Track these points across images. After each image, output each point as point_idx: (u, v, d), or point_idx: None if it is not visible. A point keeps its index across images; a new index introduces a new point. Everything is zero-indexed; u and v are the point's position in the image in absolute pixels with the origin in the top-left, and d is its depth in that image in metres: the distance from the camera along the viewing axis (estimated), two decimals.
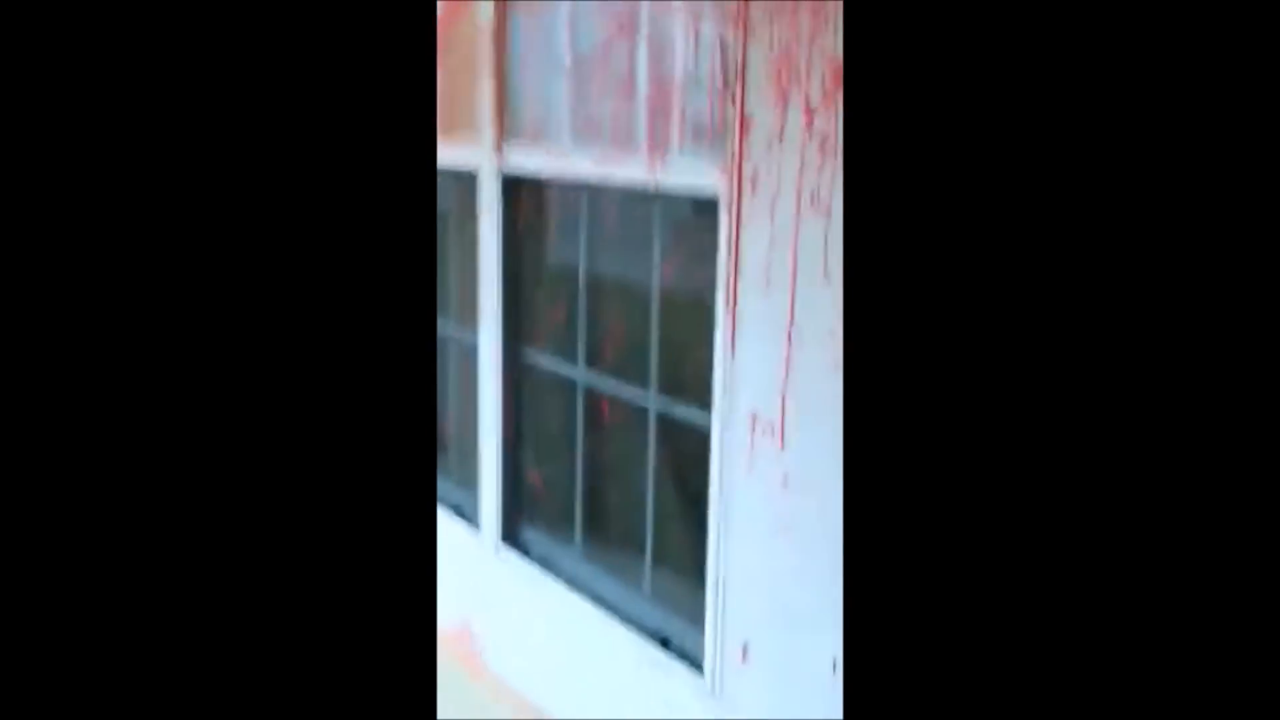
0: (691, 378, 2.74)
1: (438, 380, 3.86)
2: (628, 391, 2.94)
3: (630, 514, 3.00)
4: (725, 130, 2.41)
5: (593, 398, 3.09)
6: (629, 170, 2.75)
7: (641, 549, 2.94)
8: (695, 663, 2.66)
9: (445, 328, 3.79)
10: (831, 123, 2.15)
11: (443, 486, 3.83)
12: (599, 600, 3.03)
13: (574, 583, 3.14)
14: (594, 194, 3.01)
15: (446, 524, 3.71)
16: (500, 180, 3.25)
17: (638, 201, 2.85)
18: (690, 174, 2.55)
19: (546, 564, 3.28)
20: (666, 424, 2.82)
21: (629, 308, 2.93)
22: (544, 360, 3.28)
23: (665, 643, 2.76)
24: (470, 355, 3.51)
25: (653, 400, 2.83)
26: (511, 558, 3.38)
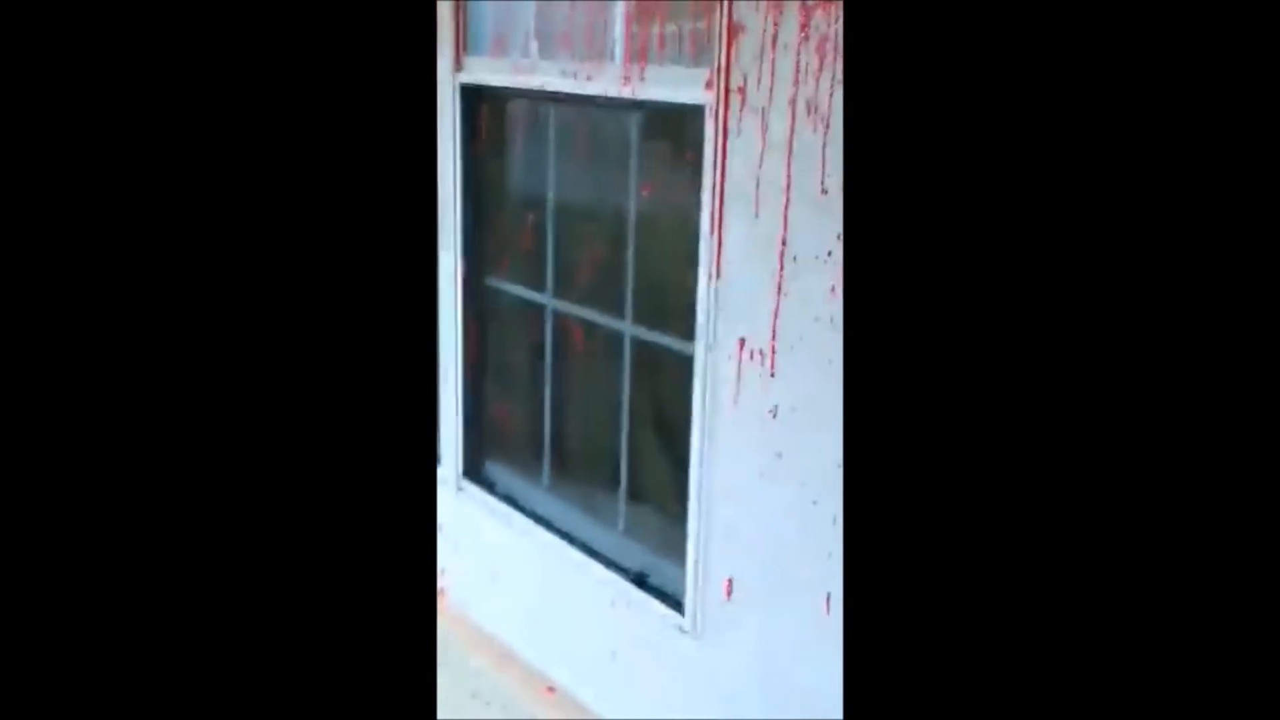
0: (673, 304, 2.59)
1: None
2: (601, 319, 2.78)
3: (603, 447, 2.86)
4: (711, 35, 2.24)
5: (563, 325, 2.93)
6: (603, 82, 2.56)
7: (615, 483, 2.81)
8: (675, 601, 2.55)
9: None
10: (831, 22, 1.98)
11: None
12: (569, 537, 2.91)
13: (543, 519, 3.01)
14: (564, 108, 2.82)
15: None
16: (458, 92, 3.04)
17: (613, 116, 2.67)
18: (672, 84, 2.37)
19: (512, 500, 3.14)
20: (644, 352, 2.68)
21: (603, 230, 2.76)
22: (509, 287, 3.11)
23: (641, 580, 2.65)
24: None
25: (628, 327, 2.68)
26: (475, 493, 3.23)
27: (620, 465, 2.76)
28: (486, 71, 2.95)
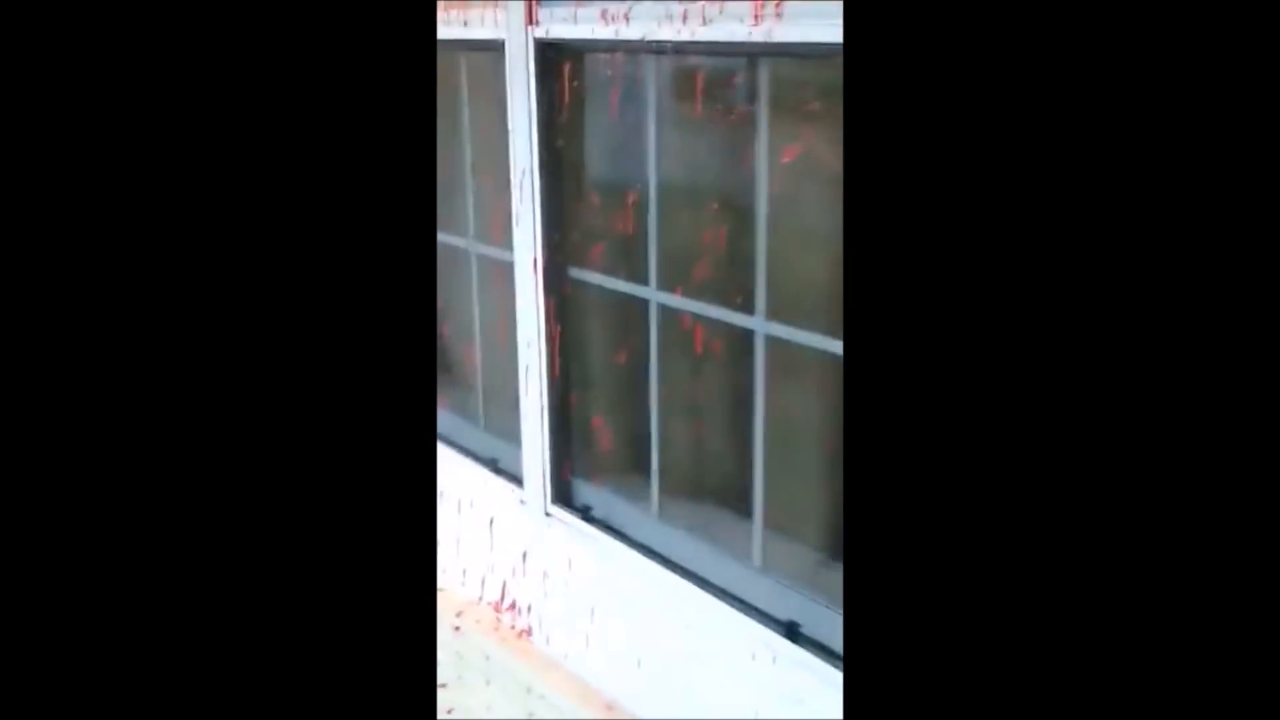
0: (816, 295, 2.13)
1: (470, 308, 3.21)
2: (724, 314, 2.31)
3: (730, 466, 2.40)
4: None
5: (673, 323, 2.46)
6: (723, 25, 2.08)
7: (747, 509, 2.35)
8: (838, 657, 2.09)
9: (465, 242, 3.13)
10: None
11: (474, 437, 3.21)
12: (688, 574, 2.45)
13: (653, 551, 2.56)
14: (669, 62, 2.34)
15: (481, 482, 3.10)
16: (533, 50, 2.57)
17: (736, 68, 2.19)
18: (818, 21, 1.89)
19: (612, 527, 2.69)
20: (782, 353, 2.21)
21: (723, 209, 2.29)
22: (601, 279, 2.64)
23: (794, 631, 2.19)
24: (504, 276, 2.87)
25: (761, 323, 2.21)
26: (566, 519, 2.78)
27: (754, 488, 2.29)
28: (567, 23, 2.47)
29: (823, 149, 2.02)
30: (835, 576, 2.12)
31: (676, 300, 2.42)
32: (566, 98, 2.61)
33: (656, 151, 2.39)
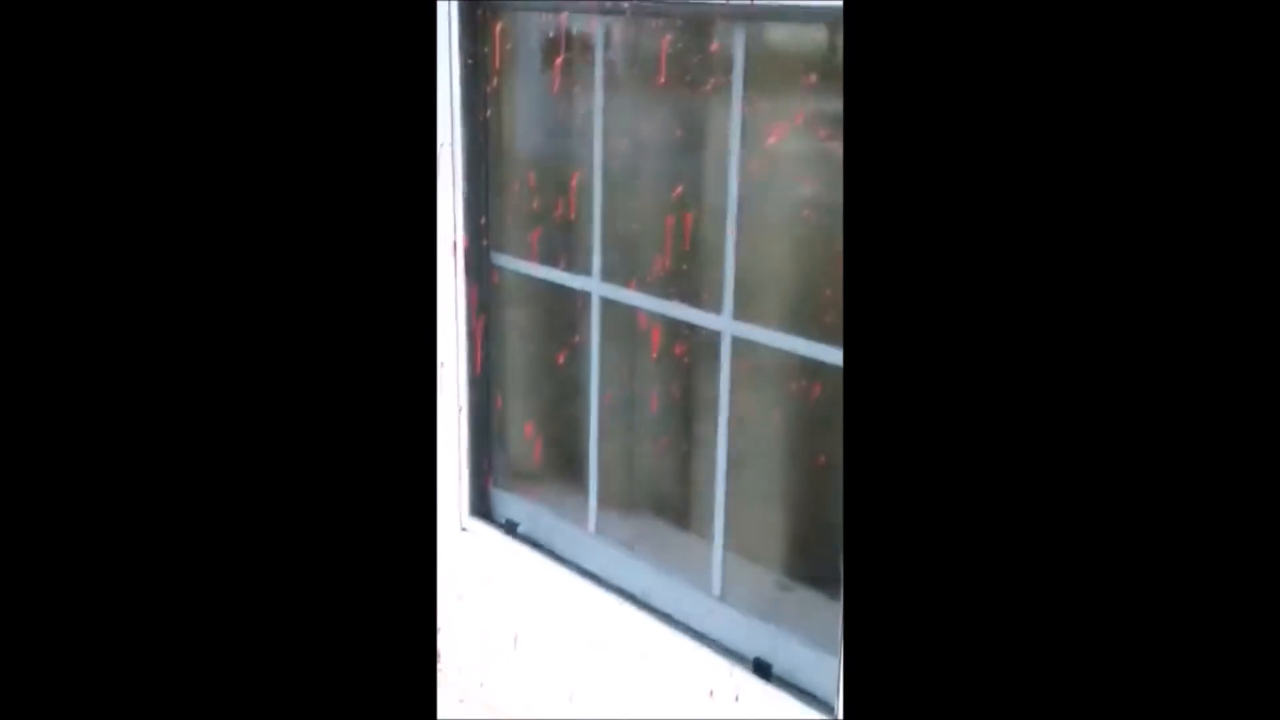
0: (788, 296, 1.90)
1: None
2: (681, 311, 2.06)
3: (687, 482, 2.16)
4: None
5: (619, 319, 2.20)
6: None
7: (703, 528, 2.11)
8: (818, 700, 1.87)
9: None
10: None
11: None
12: (631, 598, 2.20)
13: (589, 572, 2.30)
14: (623, 23, 2.07)
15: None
16: (457, 10, 2.27)
17: (706, 31, 1.94)
18: None
19: (539, 543, 2.42)
20: (753, 356, 1.97)
21: (684, 192, 2.04)
22: (533, 269, 2.36)
23: (765, 669, 1.96)
24: None
25: (728, 323, 1.97)
26: (486, 535, 2.49)
27: (715, 505, 2.05)
28: None
29: (810, 129, 1.79)
30: (803, 604, 1.90)
31: (627, 295, 2.16)
32: (498, 62, 2.32)
33: (603, 126, 2.12)
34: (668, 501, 2.24)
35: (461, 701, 2.63)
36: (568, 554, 2.36)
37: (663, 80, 2.02)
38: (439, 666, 2.68)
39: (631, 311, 2.17)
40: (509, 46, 2.30)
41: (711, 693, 2.01)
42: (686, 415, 2.16)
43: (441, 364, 2.49)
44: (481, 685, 2.58)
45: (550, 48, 2.22)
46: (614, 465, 2.31)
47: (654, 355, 2.17)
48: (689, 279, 2.06)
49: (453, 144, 2.35)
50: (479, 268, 2.42)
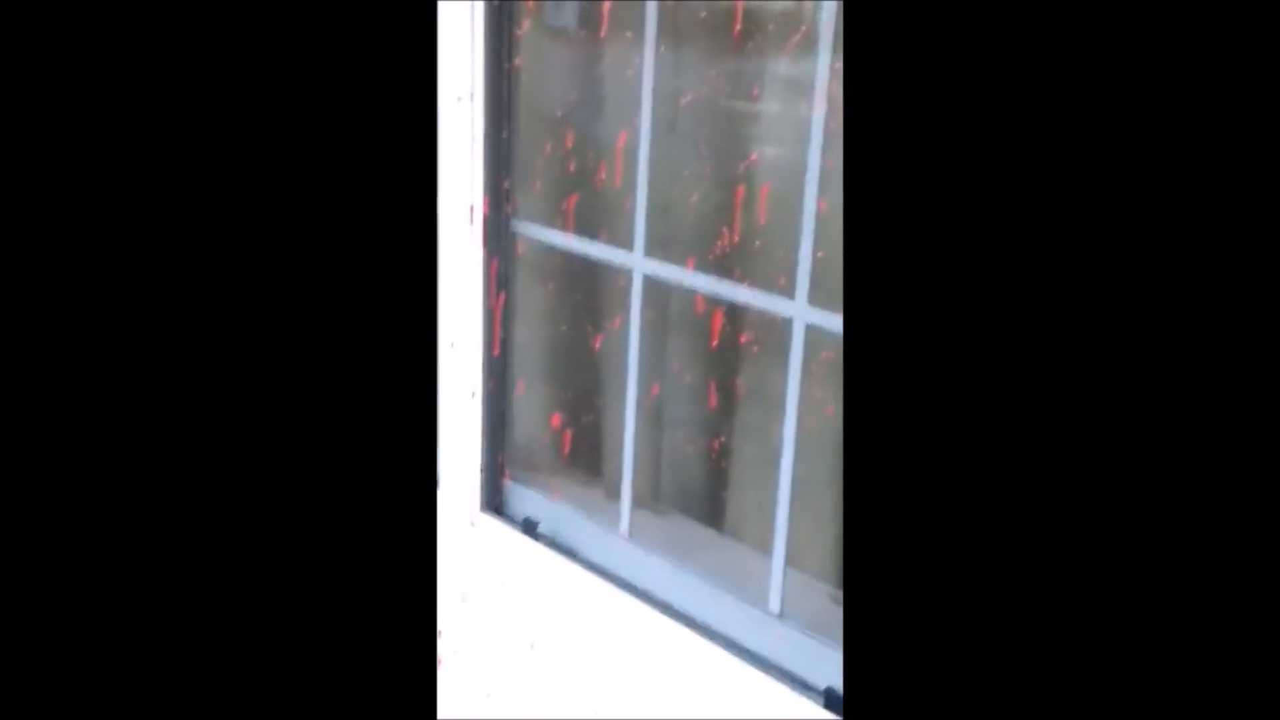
0: None
1: None
2: (746, 295, 1.83)
3: (742, 485, 1.93)
4: None
5: (663, 300, 1.96)
6: None
7: (764, 541, 1.89)
8: None
9: None
10: None
11: None
12: (672, 611, 1.98)
13: (620, 579, 2.07)
14: None
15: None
16: None
17: None
18: None
19: (560, 544, 2.18)
20: (827, 347, 1.75)
21: (754, 170, 1.80)
22: (564, 239, 2.10)
23: (834, 699, 1.75)
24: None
25: (801, 309, 1.73)
26: (499, 531, 2.25)
27: (777, 515, 1.83)
28: None
29: None
30: None
31: (677, 273, 1.91)
32: (530, 9, 2.05)
33: (656, 79, 1.87)
34: (713, 505, 2.02)
35: (466, 708, 2.40)
36: (595, 558, 2.13)
37: (737, 29, 1.77)
38: (440, 671, 2.45)
39: (682, 292, 1.93)
40: None
41: None
42: (742, 410, 1.93)
43: (452, 344, 2.24)
44: (489, 695, 2.35)
45: None
46: (651, 462, 2.08)
47: (713, 342, 1.93)
48: (757, 258, 1.83)
49: (472, 96, 2.09)
50: (500, 237, 2.17)
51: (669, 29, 1.84)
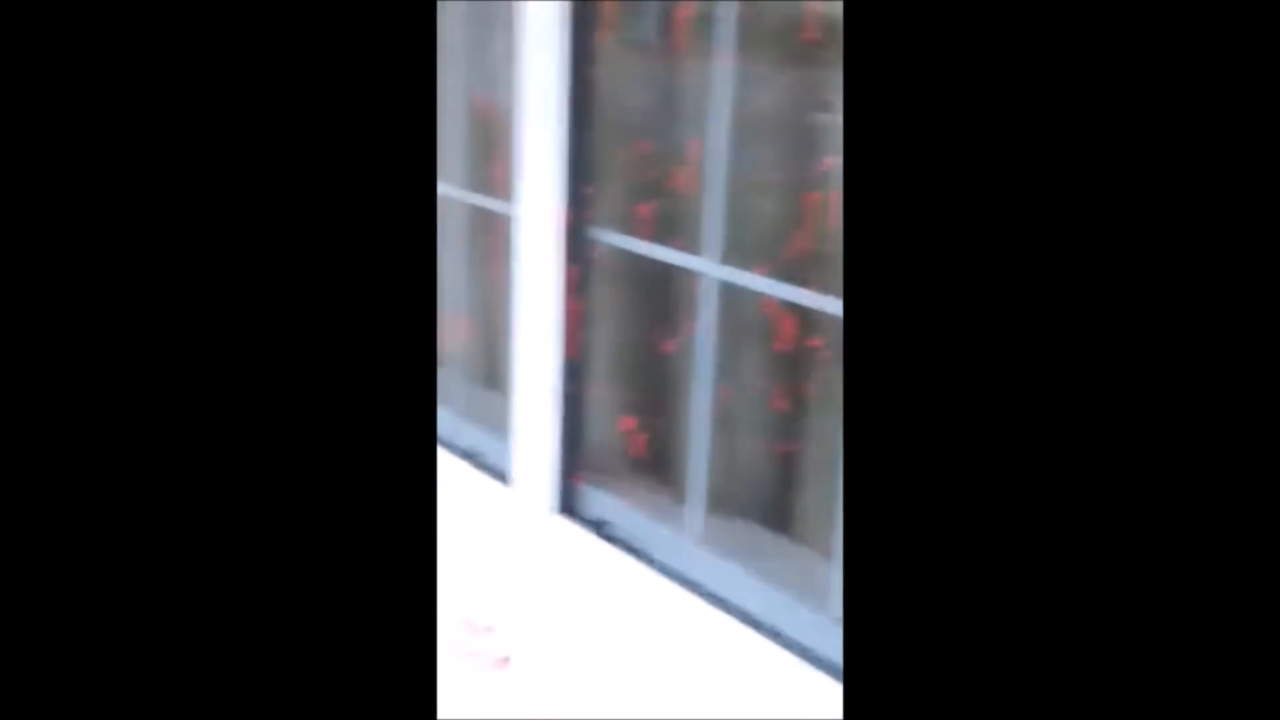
0: None
1: (454, 269, 2.68)
2: (818, 301, 1.85)
3: (808, 490, 1.95)
4: None
5: (738, 306, 1.99)
6: None
7: (823, 540, 1.90)
8: None
9: (454, 190, 2.60)
10: None
11: (446, 422, 2.69)
12: (742, 614, 2.00)
13: (689, 580, 2.10)
14: None
15: (455, 478, 2.58)
16: None
17: None
18: None
19: (633, 547, 2.22)
20: None
21: (827, 178, 1.82)
22: (639, 246, 2.15)
23: None
24: (501, 232, 2.35)
25: None
26: (573, 533, 2.30)
27: (833, 514, 1.85)
28: None
29: None
30: None
31: (750, 279, 1.94)
32: (607, 19, 2.11)
33: (734, 88, 1.91)
34: (784, 511, 2.04)
35: (532, 707, 2.44)
36: (664, 560, 2.16)
37: (809, 39, 1.80)
38: (506, 670, 2.49)
39: (753, 297, 1.96)
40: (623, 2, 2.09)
41: None
42: (811, 415, 1.95)
43: (529, 348, 2.30)
44: (554, 694, 2.39)
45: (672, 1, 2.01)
46: (720, 466, 2.11)
47: (787, 347, 1.95)
48: (827, 264, 1.85)
49: (556, 105, 2.14)
50: (578, 243, 2.22)
51: (743, 39, 1.88)
